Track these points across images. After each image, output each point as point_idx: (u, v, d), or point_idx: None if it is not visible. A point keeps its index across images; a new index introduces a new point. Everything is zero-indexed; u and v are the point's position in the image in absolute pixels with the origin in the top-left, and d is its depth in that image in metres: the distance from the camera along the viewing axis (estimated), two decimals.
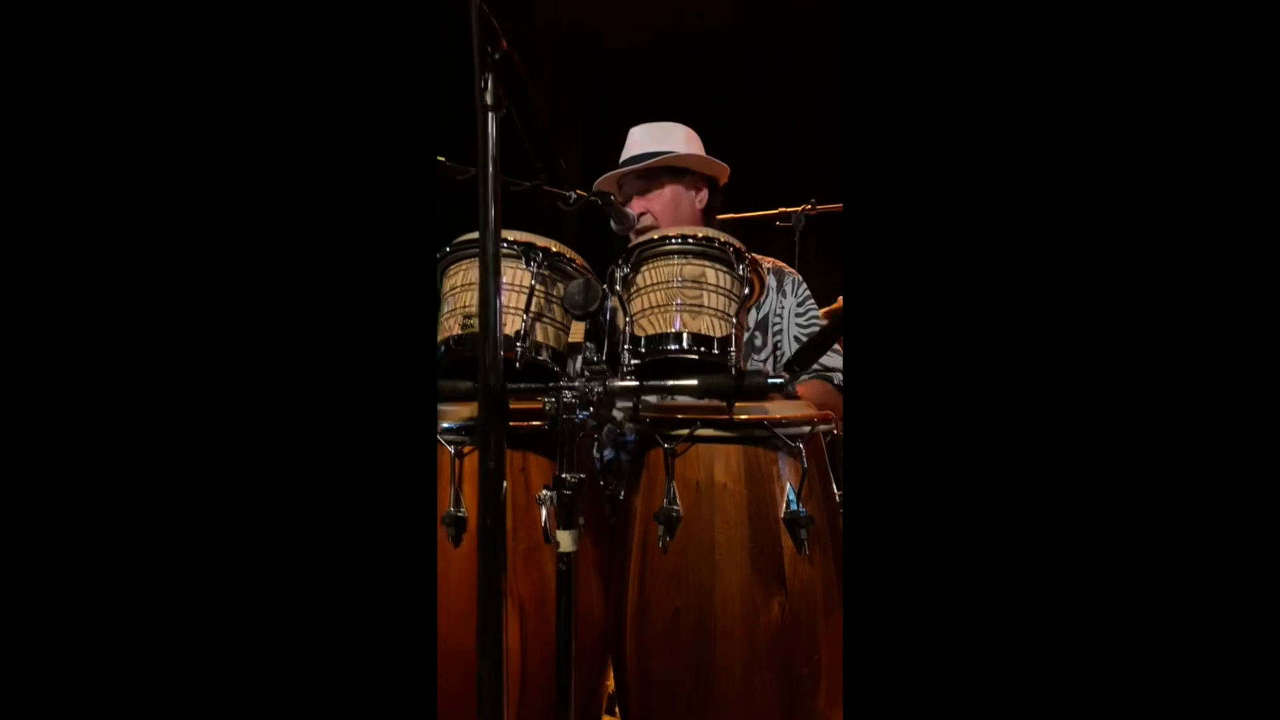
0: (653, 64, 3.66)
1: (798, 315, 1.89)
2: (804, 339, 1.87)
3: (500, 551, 0.90)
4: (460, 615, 1.23)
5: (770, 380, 1.20)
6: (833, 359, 1.83)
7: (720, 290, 1.25)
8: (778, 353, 1.87)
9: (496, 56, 0.89)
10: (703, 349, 1.21)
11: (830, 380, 1.84)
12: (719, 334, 1.22)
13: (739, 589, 1.26)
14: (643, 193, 1.86)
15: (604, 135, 3.49)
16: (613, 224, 1.66)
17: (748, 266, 1.26)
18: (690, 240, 1.26)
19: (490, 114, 0.90)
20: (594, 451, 1.79)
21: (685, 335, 1.21)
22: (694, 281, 1.24)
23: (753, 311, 1.80)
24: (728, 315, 1.24)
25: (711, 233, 1.27)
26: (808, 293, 1.93)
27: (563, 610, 1.12)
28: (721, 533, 1.28)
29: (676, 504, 1.29)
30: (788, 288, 1.91)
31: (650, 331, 1.24)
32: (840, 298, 2.83)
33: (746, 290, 1.25)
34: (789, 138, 3.56)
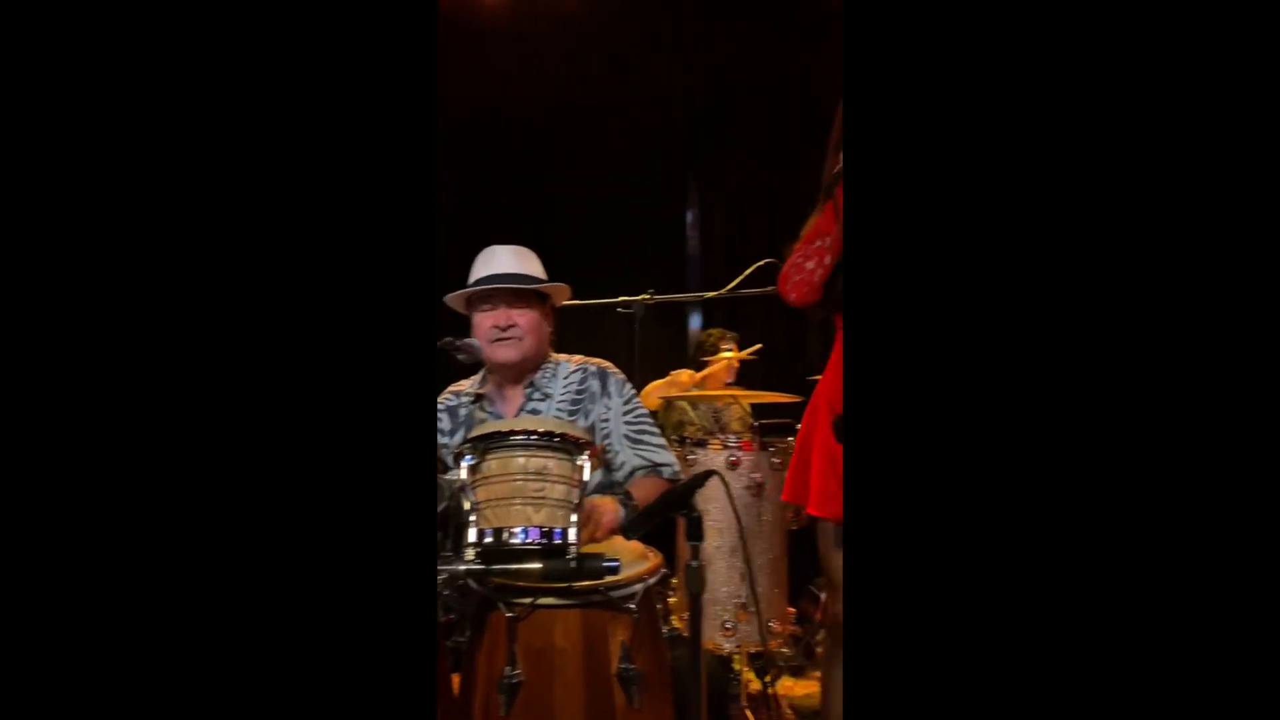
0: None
1: (625, 414, 2.00)
2: (633, 436, 1.99)
3: None
4: None
5: (605, 564, 1.32)
6: (660, 454, 1.97)
7: (561, 479, 1.36)
8: (607, 454, 1.98)
9: None
10: (544, 541, 1.32)
11: (660, 474, 1.98)
12: (559, 525, 1.33)
13: None
14: (513, 305, 1.91)
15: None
16: (463, 358, 1.72)
17: (587, 456, 1.37)
18: (534, 435, 1.36)
19: None
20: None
21: (528, 530, 1.31)
22: (537, 474, 1.34)
23: (580, 418, 1.90)
24: (567, 503, 1.35)
25: (554, 426, 1.37)
26: (633, 391, 2.06)
27: None
28: (560, 696, 1.39)
29: (518, 670, 1.39)
30: (612, 389, 2.00)
31: (495, 524, 1.33)
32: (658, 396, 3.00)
33: (586, 477, 1.37)
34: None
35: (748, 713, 2.15)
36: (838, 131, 1.60)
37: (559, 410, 1.86)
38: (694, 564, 1.28)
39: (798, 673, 2.68)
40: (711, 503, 2.34)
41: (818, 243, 1.52)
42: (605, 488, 1.86)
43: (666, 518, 1.48)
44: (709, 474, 1.33)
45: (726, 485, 1.36)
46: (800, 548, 2.65)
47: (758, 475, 2.37)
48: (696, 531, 1.30)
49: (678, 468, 1.97)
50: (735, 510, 1.48)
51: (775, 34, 3.97)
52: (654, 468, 1.96)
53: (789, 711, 2.40)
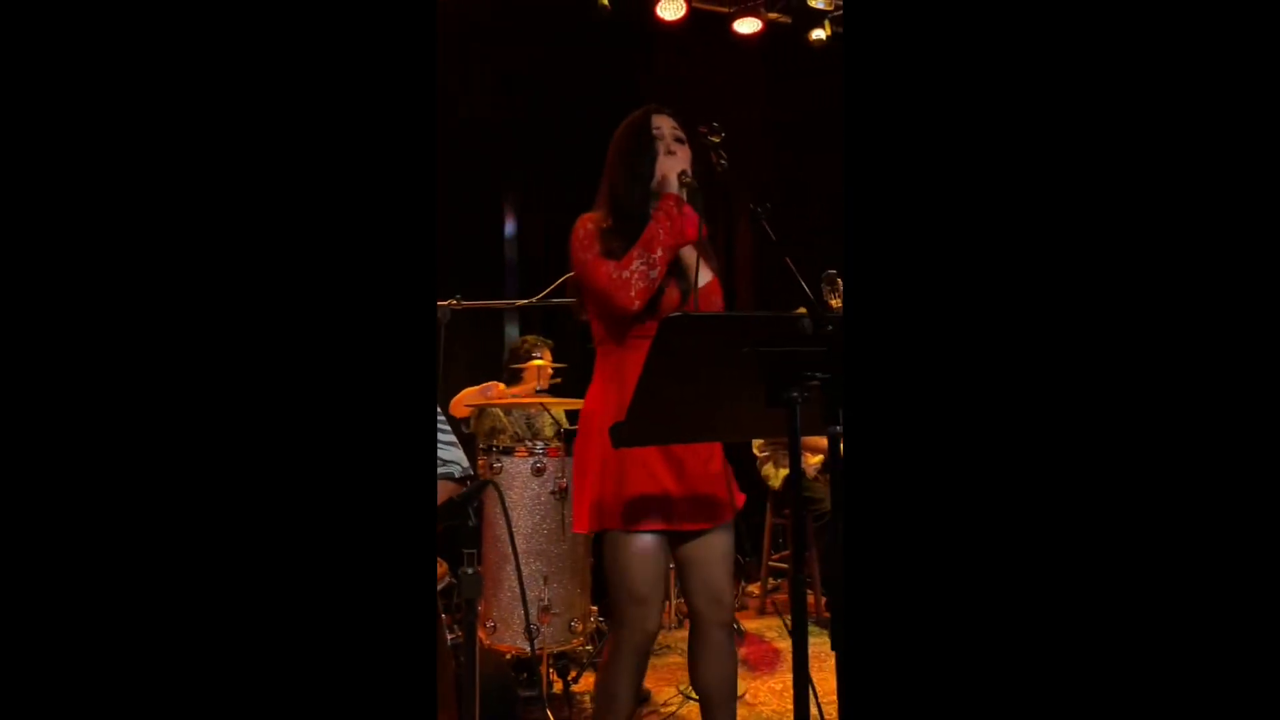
0: None
1: None
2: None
3: None
4: None
5: None
6: (449, 452, 1.98)
7: None
8: None
9: None
10: None
11: (451, 476, 1.99)
12: None
13: None
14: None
15: None
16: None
17: None
18: None
19: None
20: None
21: None
22: None
23: None
24: None
25: None
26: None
27: None
28: None
29: None
30: None
31: None
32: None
33: None
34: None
35: (549, 712, 2.21)
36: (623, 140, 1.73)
37: None
38: (469, 571, 1.32)
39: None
40: (516, 508, 2.39)
41: (659, 252, 1.60)
42: None
43: (448, 525, 1.50)
44: (484, 484, 1.37)
45: (501, 495, 1.40)
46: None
47: (562, 480, 2.43)
48: (472, 539, 1.33)
49: (466, 465, 1.98)
50: (508, 520, 1.51)
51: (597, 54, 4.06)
52: (444, 465, 1.96)
53: (588, 704, 2.48)
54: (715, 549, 1.72)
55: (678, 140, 1.73)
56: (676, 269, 1.69)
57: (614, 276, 1.62)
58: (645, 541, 1.65)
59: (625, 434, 1.24)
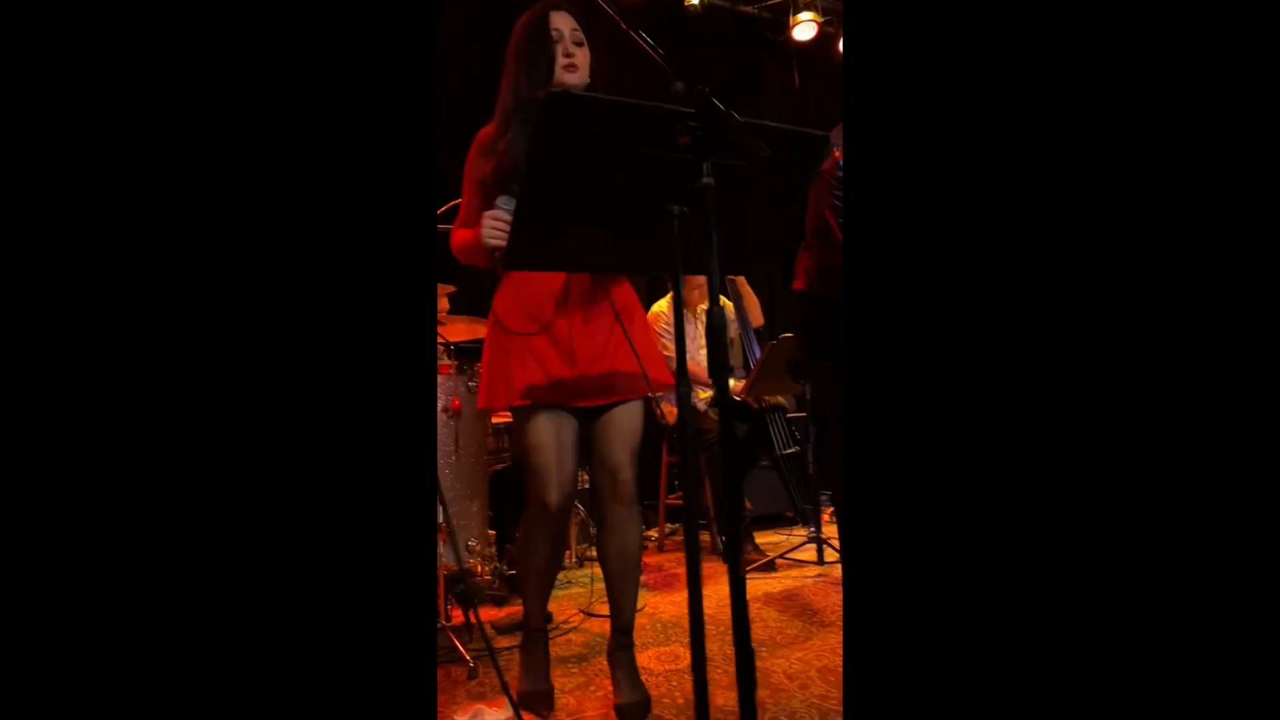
0: None
1: None
2: None
3: None
4: None
5: None
6: None
7: None
8: None
9: None
10: None
11: None
12: None
13: None
14: None
15: None
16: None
17: None
18: None
19: None
20: None
21: None
22: None
23: None
24: None
25: None
26: None
27: None
28: None
29: None
30: None
31: None
32: None
33: None
34: None
35: (454, 638, 2.16)
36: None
37: None
38: None
39: (501, 603, 2.74)
40: None
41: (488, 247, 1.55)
42: None
43: None
44: None
45: None
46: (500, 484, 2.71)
47: (454, 399, 2.39)
48: None
49: None
50: None
51: None
52: None
53: (491, 630, 2.45)
54: (612, 425, 1.72)
55: (577, 44, 1.68)
56: None
57: (462, 247, 1.67)
58: (536, 415, 1.66)
59: (512, 252, 1.23)
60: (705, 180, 1.07)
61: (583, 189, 1.15)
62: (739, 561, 1.07)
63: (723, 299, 4.19)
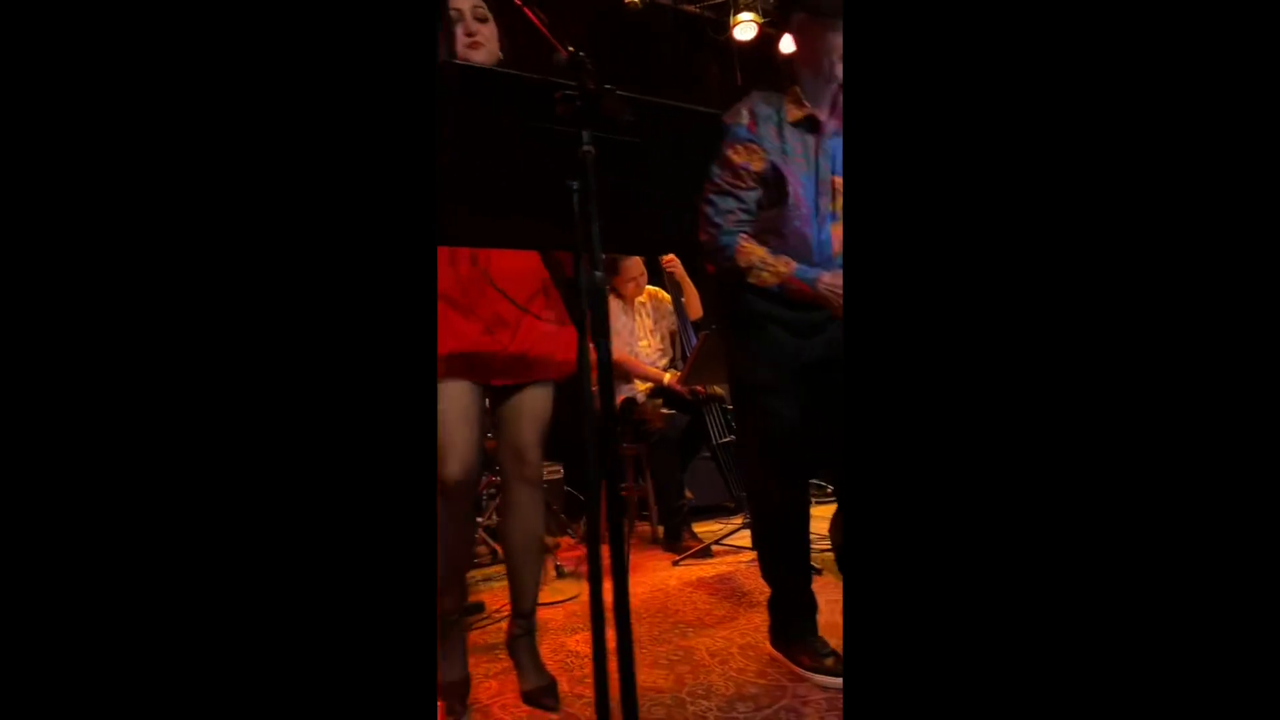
0: None
1: None
2: None
3: None
4: None
5: None
6: None
7: None
8: None
9: None
10: None
11: None
12: None
13: None
14: None
15: None
16: None
17: None
18: None
19: None
20: None
21: None
22: None
23: None
24: None
25: None
26: None
27: None
28: None
29: None
30: None
31: None
32: None
33: None
34: None
35: None
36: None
37: None
38: None
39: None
40: None
41: None
42: None
43: None
44: None
45: None
46: None
47: None
48: None
49: None
50: None
51: None
52: None
53: None
54: (521, 405, 1.73)
55: (480, 19, 1.66)
56: None
57: None
58: (445, 388, 1.64)
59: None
60: (585, 148, 1.09)
61: (483, 163, 1.16)
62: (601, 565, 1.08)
63: (660, 291, 4.26)
